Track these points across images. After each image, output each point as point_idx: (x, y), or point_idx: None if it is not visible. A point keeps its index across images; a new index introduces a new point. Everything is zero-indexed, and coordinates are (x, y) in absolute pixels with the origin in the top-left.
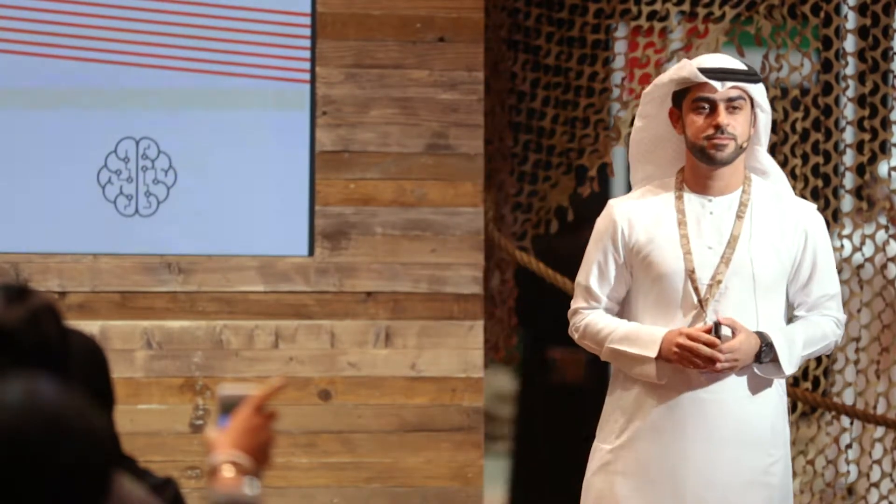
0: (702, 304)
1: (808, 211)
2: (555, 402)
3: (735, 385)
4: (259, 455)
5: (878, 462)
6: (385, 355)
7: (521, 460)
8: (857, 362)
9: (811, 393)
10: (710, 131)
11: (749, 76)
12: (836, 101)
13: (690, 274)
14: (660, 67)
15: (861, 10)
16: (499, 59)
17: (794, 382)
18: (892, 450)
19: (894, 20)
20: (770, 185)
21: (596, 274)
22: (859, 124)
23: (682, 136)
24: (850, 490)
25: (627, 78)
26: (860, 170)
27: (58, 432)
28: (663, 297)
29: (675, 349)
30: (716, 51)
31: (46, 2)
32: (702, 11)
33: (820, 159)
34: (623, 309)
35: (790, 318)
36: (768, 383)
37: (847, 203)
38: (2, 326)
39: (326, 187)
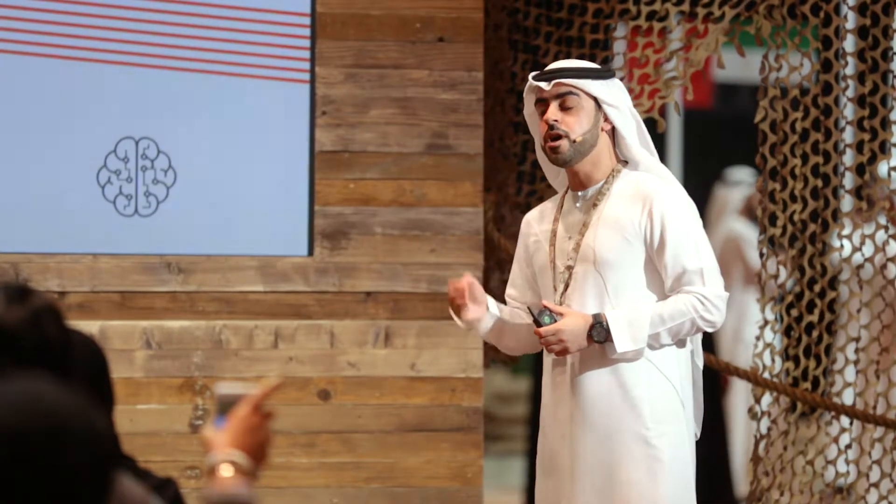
0: (556, 289)
1: (657, 190)
2: None
3: (594, 363)
4: (257, 454)
5: (878, 462)
6: (384, 355)
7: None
8: (856, 362)
9: (810, 393)
10: (545, 129)
11: (579, 72)
12: (836, 101)
13: (552, 263)
14: (659, 67)
15: (861, 10)
16: (499, 58)
17: (793, 382)
18: (891, 450)
19: (894, 20)
20: (638, 174)
21: (512, 278)
22: (859, 124)
23: None
24: (850, 490)
25: (626, 78)
26: (860, 170)
27: (59, 433)
28: (543, 288)
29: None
30: (715, 51)
31: (46, 2)
32: (701, 11)
33: (820, 159)
34: None
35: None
36: (633, 359)
37: (847, 203)
38: (3, 327)
39: (326, 187)
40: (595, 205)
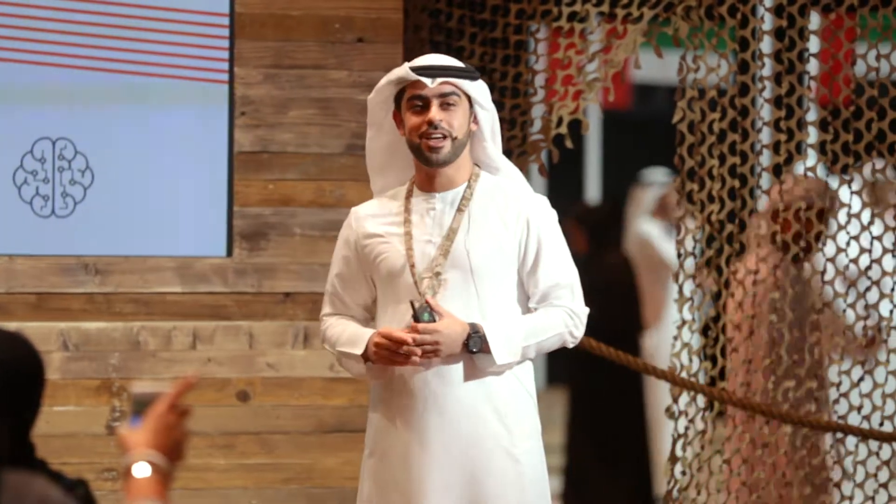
0: (422, 296)
1: (533, 202)
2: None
3: (460, 374)
4: (173, 453)
5: (863, 463)
6: (303, 356)
7: None
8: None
9: (727, 392)
10: (424, 128)
11: (461, 72)
12: (753, 102)
13: (411, 268)
14: (581, 69)
15: (777, 11)
16: None
17: (710, 382)
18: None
19: (810, 22)
20: (499, 179)
21: (338, 281)
22: (776, 125)
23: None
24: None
25: (550, 80)
26: (776, 170)
27: None
28: (393, 294)
29: (374, 350)
30: (633, 52)
31: None
32: (620, 12)
33: (737, 160)
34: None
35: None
36: (500, 372)
37: (762, 203)
38: None
39: (245, 188)
40: (461, 209)
